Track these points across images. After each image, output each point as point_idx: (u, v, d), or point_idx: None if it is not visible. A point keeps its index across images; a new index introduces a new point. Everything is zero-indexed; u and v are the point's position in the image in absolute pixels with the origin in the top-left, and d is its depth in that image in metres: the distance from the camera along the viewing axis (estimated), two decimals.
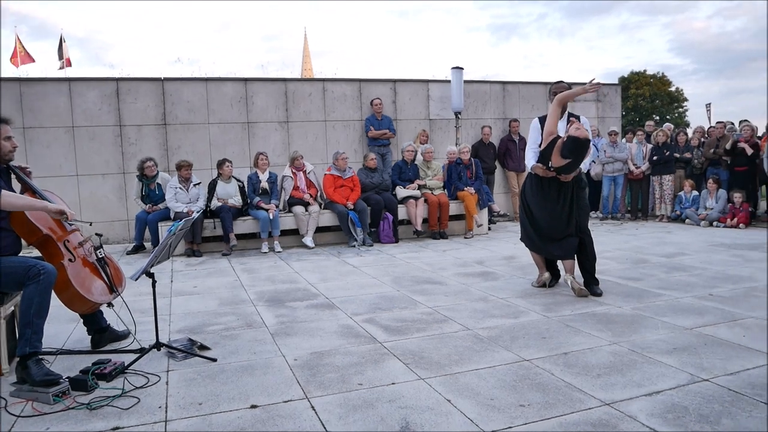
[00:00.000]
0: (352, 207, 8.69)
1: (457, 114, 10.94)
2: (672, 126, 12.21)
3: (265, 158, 8.74)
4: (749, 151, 10.06)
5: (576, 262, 5.33)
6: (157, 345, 3.90)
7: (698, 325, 4.30)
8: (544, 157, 5.08)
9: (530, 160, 5.32)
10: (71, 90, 9.38)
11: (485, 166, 10.74)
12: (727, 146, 10.28)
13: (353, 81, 10.94)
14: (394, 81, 11.19)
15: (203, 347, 4.04)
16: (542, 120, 5.33)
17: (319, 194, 9.02)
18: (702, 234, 9.06)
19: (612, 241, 8.57)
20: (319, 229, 8.83)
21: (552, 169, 5.05)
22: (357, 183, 9.00)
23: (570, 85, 5.38)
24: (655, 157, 10.82)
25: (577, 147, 4.85)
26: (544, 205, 5.19)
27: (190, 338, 4.21)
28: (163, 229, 8.03)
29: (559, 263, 5.67)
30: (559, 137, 5.00)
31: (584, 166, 5.23)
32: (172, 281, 6.40)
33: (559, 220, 5.16)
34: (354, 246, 8.46)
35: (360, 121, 10.79)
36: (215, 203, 8.35)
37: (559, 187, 5.15)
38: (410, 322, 4.54)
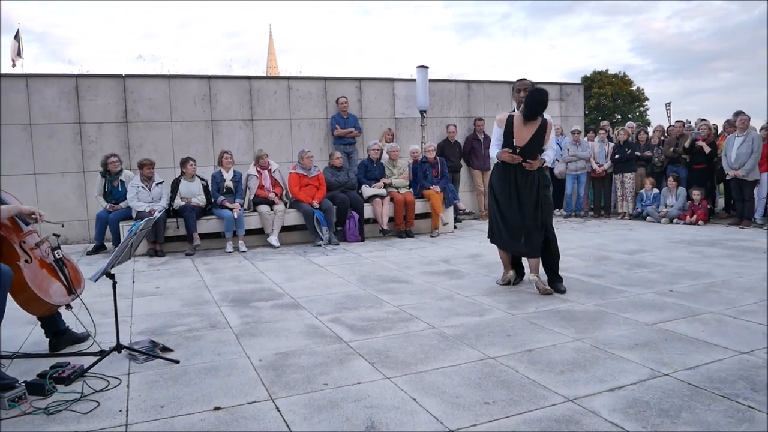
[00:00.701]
0: (317, 206, 8.65)
1: (422, 113, 10.97)
2: (634, 125, 12.44)
3: (230, 157, 8.64)
4: (707, 149, 10.32)
5: (540, 260, 5.39)
6: (118, 347, 3.82)
7: (659, 321, 4.39)
8: (506, 138, 5.18)
9: (494, 150, 5.41)
10: (29, 87, 9.11)
11: (451, 165, 10.80)
12: (686, 144, 10.53)
13: (318, 79, 10.89)
14: (360, 79, 11.17)
15: (165, 349, 3.97)
16: (508, 118, 5.37)
17: (284, 193, 8.96)
18: (662, 231, 9.26)
19: (575, 238, 8.70)
20: (285, 229, 8.78)
21: (518, 152, 5.14)
22: (322, 182, 8.96)
23: (533, 83, 5.45)
24: (617, 156, 11.02)
25: (534, 98, 4.97)
26: (511, 193, 5.24)
27: (152, 340, 4.13)
28: (125, 228, 7.88)
29: (525, 261, 5.73)
30: (511, 115, 5.17)
31: (548, 160, 5.32)
32: (133, 282, 6.28)
33: (527, 207, 5.22)
34: (320, 245, 8.43)
35: (325, 119, 10.75)
36: (178, 202, 8.22)
37: (525, 176, 5.22)
38: (376, 322, 4.54)
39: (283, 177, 9.05)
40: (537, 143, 5.17)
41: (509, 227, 5.33)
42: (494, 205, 5.44)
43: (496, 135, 5.34)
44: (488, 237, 5.61)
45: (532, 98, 5.03)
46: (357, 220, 8.91)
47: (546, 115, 5.34)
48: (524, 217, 5.25)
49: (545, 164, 5.35)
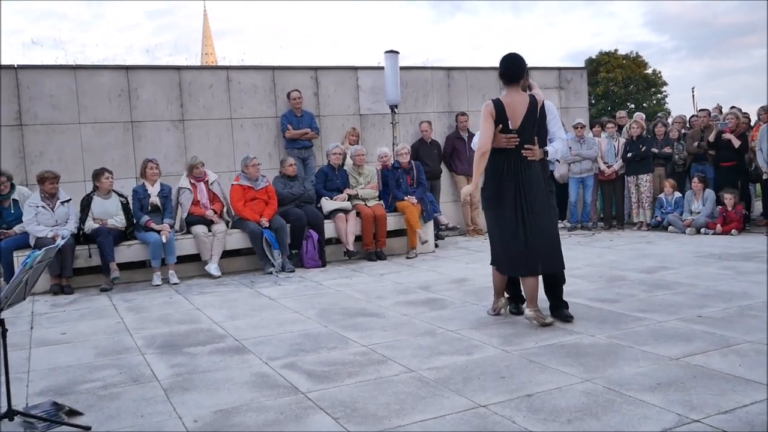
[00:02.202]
0: (267, 225, 8.61)
1: (393, 108, 11.02)
2: (643, 116, 12.64)
3: (155, 166, 8.56)
4: (736, 142, 10.53)
5: (537, 286, 5.38)
6: (9, 414, 3.70)
7: (686, 354, 4.41)
8: (503, 123, 5.25)
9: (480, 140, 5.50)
10: None
11: (428, 170, 10.86)
12: (711, 138, 10.72)
13: (265, 69, 10.87)
14: (316, 68, 11.18)
15: (73, 412, 3.86)
16: (496, 103, 5.42)
17: (225, 210, 8.90)
18: (688, 243, 9.41)
19: (582, 255, 8.77)
20: (227, 254, 8.72)
21: (514, 135, 5.22)
22: (273, 195, 8.93)
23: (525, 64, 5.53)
24: (629, 154, 11.19)
25: (508, 56, 5.24)
26: (516, 198, 5.23)
27: (55, 402, 4.02)
28: (19, 260, 7.72)
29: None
30: (497, 99, 5.32)
31: (554, 152, 5.38)
32: (32, 328, 6.14)
33: (539, 207, 5.22)
34: (271, 273, 8.39)
35: (275, 118, 10.73)
36: (91, 225, 8.11)
37: (528, 169, 5.24)
38: (340, 366, 4.49)
39: (223, 190, 8.99)
40: (531, 124, 5.25)
41: (521, 243, 5.26)
42: (495, 222, 5.41)
43: (485, 126, 5.34)
44: (492, 264, 5.57)
45: (507, 56, 5.27)
46: (316, 240, 8.88)
47: (536, 89, 5.44)
48: (538, 222, 5.22)
49: (549, 158, 5.39)
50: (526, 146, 5.25)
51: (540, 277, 5.43)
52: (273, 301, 6.80)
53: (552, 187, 5.55)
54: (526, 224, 5.23)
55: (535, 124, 5.31)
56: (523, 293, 5.50)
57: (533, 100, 5.30)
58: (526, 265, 5.27)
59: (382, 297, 6.73)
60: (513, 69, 5.27)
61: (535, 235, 5.21)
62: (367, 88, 11.49)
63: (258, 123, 10.68)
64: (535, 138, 5.29)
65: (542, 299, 5.54)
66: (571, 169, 11.53)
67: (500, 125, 5.23)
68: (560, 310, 5.49)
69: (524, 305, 5.42)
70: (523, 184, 5.24)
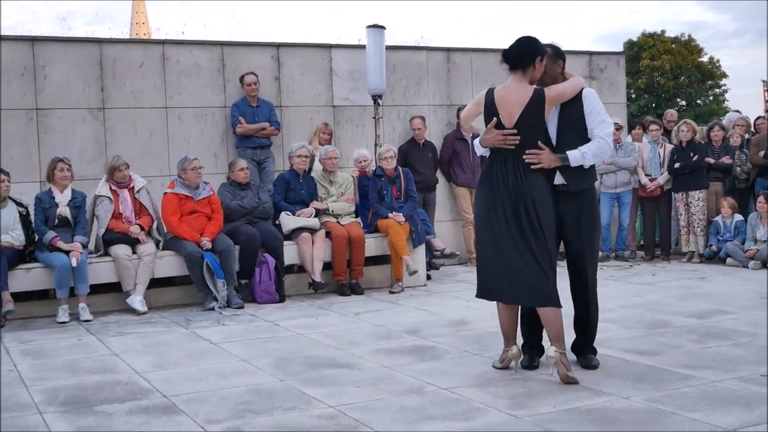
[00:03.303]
0: (209, 246, 8.58)
1: (376, 98, 11.03)
2: (675, 114, 12.76)
3: (66, 168, 8.52)
4: None
5: (561, 317, 5.40)
6: None
7: (747, 424, 4.42)
8: (489, 120, 5.41)
9: (476, 146, 5.62)
10: None
11: (420, 180, 10.86)
12: None
13: (212, 45, 10.85)
14: (278, 46, 11.19)
15: None
16: (488, 94, 5.51)
17: (155, 226, 8.86)
18: (751, 281, 9.46)
19: (616, 293, 8.79)
20: (156, 283, 8.69)
21: (513, 132, 5.31)
22: (218, 207, 8.91)
23: (559, 50, 5.62)
24: (677, 164, 11.27)
25: (518, 40, 5.39)
26: (505, 208, 5.32)
27: None
28: None
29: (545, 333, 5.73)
30: (492, 88, 5.48)
31: (582, 156, 5.40)
32: None
33: (531, 224, 5.30)
34: (212, 309, 8.35)
35: (223, 107, 10.72)
36: None
37: (525, 177, 5.31)
38: None
39: (153, 200, 8.95)
40: (532, 123, 5.33)
41: (505, 262, 5.37)
42: (482, 236, 5.52)
43: (468, 107, 5.54)
44: (477, 293, 5.64)
45: (516, 40, 5.43)
46: (273, 268, 8.85)
47: (574, 79, 5.52)
48: (525, 241, 5.31)
49: (572, 164, 5.41)
50: (528, 151, 5.33)
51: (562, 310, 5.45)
52: (214, 345, 6.74)
53: (594, 200, 5.65)
54: (518, 246, 5.31)
55: (541, 123, 5.40)
56: (545, 334, 5.53)
57: (538, 93, 5.36)
58: (503, 290, 5.41)
59: (356, 343, 6.69)
60: (516, 52, 5.37)
61: (516, 255, 5.31)
62: (344, 72, 11.48)
63: (201, 114, 10.64)
64: (537, 140, 5.38)
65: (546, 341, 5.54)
66: (603, 181, 11.57)
67: (495, 120, 5.37)
68: (585, 355, 5.57)
69: (546, 347, 5.44)
70: (518, 197, 5.31)
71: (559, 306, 5.36)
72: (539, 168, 5.36)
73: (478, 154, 5.89)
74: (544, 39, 5.56)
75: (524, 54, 5.37)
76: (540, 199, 5.35)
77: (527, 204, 5.33)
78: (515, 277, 5.36)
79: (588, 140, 5.52)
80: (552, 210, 5.43)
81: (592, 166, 5.63)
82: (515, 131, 5.33)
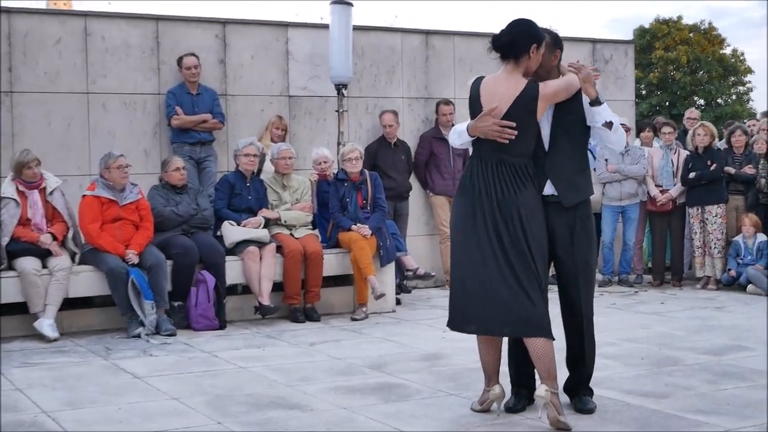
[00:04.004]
0: (136, 261, 8.52)
1: (340, 88, 11.02)
2: (697, 113, 12.87)
3: None
4: None
5: (553, 350, 5.38)
6: None
7: None
8: (473, 114, 5.42)
9: (453, 134, 5.62)
10: None
11: (391, 186, 10.87)
12: None
13: (145, 19, 10.76)
14: (224, 22, 11.15)
15: None
16: (474, 84, 5.51)
17: (71, 235, 8.77)
18: None
19: (619, 323, 8.80)
20: (70, 303, 8.60)
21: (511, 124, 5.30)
22: (147, 214, 8.85)
23: (557, 38, 5.60)
24: (693, 174, 11.33)
25: (512, 24, 5.41)
26: (486, 218, 5.31)
27: None
28: None
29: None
30: (482, 77, 5.52)
31: (617, 121, 5.42)
32: None
33: (513, 237, 5.29)
34: (138, 336, 8.28)
35: (156, 95, 10.67)
36: None
37: (513, 181, 5.32)
38: None
39: (69, 203, 8.87)
40: (521, 121, 5.31)
41: (485, 286, 5.34)
42: (458, 254, 5.50)
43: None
44: (449, 322, 5.60)
45: (510, 24, 5.43)
46: (212, 288, 8.79)
47: (569, 77, 5.49)
48: (509, 262, 5.29)
49: (604, 112, 5.39)
50: (504, 122, 5.31)
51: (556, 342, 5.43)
52: (139, 380, 6.67)
53: (589, 213, 5.64)
54: (501, 267, 5.30)
55: (532, 123, 5.39)
56: (536, 372, 5.49)
57: (531, 88, 5.35)
58: (482, 319, 5.37)
59: (309, 379, 6.65)
60: (508, 38, 5.35)
61: (499, 289, 5.29)
62: (302, 56, 11.46)
63: (130, 102, 10.57)
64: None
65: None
66: (606, 192, 11.63)
67: (496, 106, 5.34)
68: (580, 397, 5.56)
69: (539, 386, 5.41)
70: (502, 210, 5.30)
71: (550, 337, 5.33)
72: (527, 175, 5.36)
73: (455, 145, 5.81)
74: (541, 23, 5.57)
75: (518, 40, 5.34)
76: (528, 212, 5.33)
77: (513, 218, 5.31)
78: (497, 303, 5.32)
79: (585, 147, 5.59)
80: (542, 226, 5.41)
81: (589, 176, 5.67)
82: (513, 124, 5.30)
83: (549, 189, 5.47)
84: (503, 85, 5.37)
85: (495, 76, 5.46)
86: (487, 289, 5.33)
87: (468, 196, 5.43)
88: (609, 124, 5.40)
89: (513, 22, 5.41)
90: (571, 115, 5.49)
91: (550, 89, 5.40)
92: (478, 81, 5.50)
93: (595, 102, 5.38)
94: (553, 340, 5.33)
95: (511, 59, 5.36)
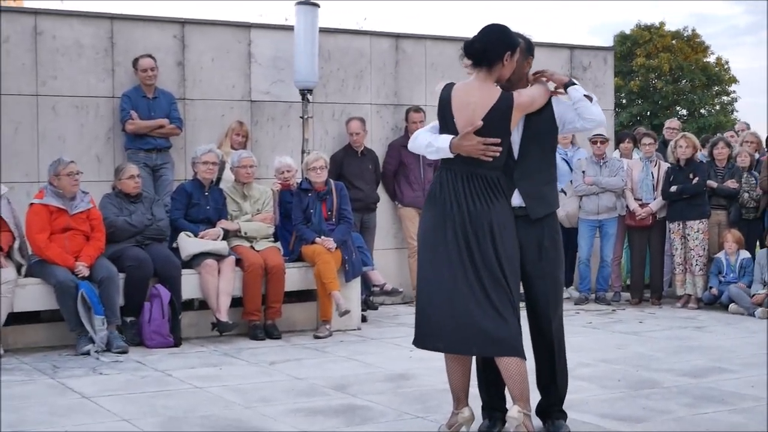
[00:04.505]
0: (86, 273, 8.49)
1: (305, 93, 11.03)
2: (677, 124, 12.96)
3: None
4: None
5: (526, 370, 5.40)
6: None
7: None
8: (443, 124, 5.47)
9: (423, 140, 5.56)
10: None
11: (358, 197, 10.90)
12: None
13: (99, 18, 10.72)
14: (183, 22, 11.13)
15: None
16: (444, 91, 5.51)
17: (17, 245, 8.73)
18: (758, 332, 9.56)
19: (595, 343, 8.85)
20: (16, 318, 8.56)
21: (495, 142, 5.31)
22: (99, 224, 8.82)
23: (531, 44, 5.62)
24: (674, 188, 11.40)
25: (484, 30, 5.39)
26: (456, 231, 5.31)
27: None
28: None
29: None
30: (452, 84, 5.51)
31: (595, 99, 5.46)
32: None
33: (483, 252, 5.29)
34: (88, 353, 8.23)
35: (110, 98, 10.63)
36: None
37: (485, 195, 5.33)
38: None
39: (15, 212, 8.84)
40: (494, 134, 5.32)
41: (454, 303, 5.34)
42: (425, 269, 5.50)
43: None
44: (415, 340, 5.59)
45: (483, 29, 5.42)
46: (167, 303, 8.76)
47: (540, 85, 5.53)
48: (479, 278, 5.30)
49: (578, 90, 5.44)
50: (489, 140, 5.30)
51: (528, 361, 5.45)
52: (88, 400, 6.61)
53: (557, 231, 5.66)
54: (471, 283, 5.29)
55: (506, 134, 5.38)
56: (507, 392, 5.50)
57: (506, 98, 5.35)
58: (450, 338, 5.36)
59: (269, 400, 6.63)
60: (481, 45, 5.35)
61: (468, 306, 5.29)
62: (266, 59, 11.47)
63: (82, 105, 10.52)
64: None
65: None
66: (583, 205, 11.70)
67: (480, 123, 5.31)
68: (553, 420, 5.56)
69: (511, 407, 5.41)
70: (472, 224, 5.30)
71: (523, 356, 5.33)
72: (500, 188, 5.38)
73: (430, 158, 5.79)
74: (517, 27, 5.56)
75: (491, 47, 5.33)
76: (500, 227, 5.33)
77: (484, 232, 5.31)
78: (466, 320, 5.31)
79: (554, 157, 5.72)
80: (515, 240, 5.41)
81: (555, 188, 5.73)
82: (498, 140, 5.31)
83: (517, 200, 5.48)
84: (476, 93, 5.37)
85: (467, 83, 5.46)
86: (457, 305, 5.32)
87: (437, 208, 5.42)
88: (588, 98, 5.43)
89: (486, 27, 5.41)
90: (542, 123, 5.51)
91: (526, 98, 5.39)
92: (448, 87, 5.49)
93: (569, 84, 5.45)
94: (525, 359, 5.35)
95: (484, 67, 5.35)
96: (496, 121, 5.32)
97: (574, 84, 5.47)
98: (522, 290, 5.65)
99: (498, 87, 5.40)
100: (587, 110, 5.46)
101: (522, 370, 5.31)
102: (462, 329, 5.33)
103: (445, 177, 5.44)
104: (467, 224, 5.30)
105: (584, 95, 5.42)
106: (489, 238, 5.29)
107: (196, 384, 7.16)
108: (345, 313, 9.37)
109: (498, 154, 5.30)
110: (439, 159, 5.55)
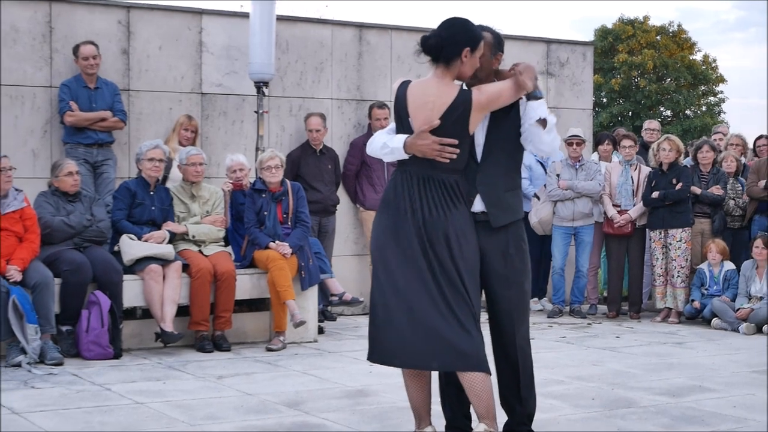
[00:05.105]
0: (19, 278, 8.43)
1: (261, 86, 11.02)
2: (657, 125, 13.02)
3: None
4: None
5: (491, 386, 5.40)
6: None
7: None
8: (399, 123, 5.51)
9: (378, 143, 5.59)
10: None
11: (316, 199, 10.92)
12: None
13: (37, 0, 10.60)
14: (129, 7, 11.08)
15: None
16: (400, 88, 5.53)
17: None
18: (741, 349, 9.63)
19: (568, 359, 8.88)
20: None
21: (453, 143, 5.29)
22: (33, 224, 8.77)
23: (500, 39, 5.61)
24: (655, 194, 11.44)
25: (440, 26, 5.38)
26: (409, 235, 5.32)
27: None
28: None
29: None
30: (408, 81, 5.51)
31: (552, 123, 5.41)
32: None
33: (441, 258, 5.29)
34: (19, 365, 8.18)
35: (48, 88, 10.58)
36: None
37: (441, 199, 5.33)
38: None
39: None
40: (451, 135, 5.31)
41: (411, 315, 5.34)
42: (379, 279, 5.50)
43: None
44: (369, 354, 5.59)
45: (442, 23, 5.43)
46: (107, 311, 8.69)
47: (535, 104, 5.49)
48: (439, 288, 5.30)
49: (540, 106, 5.40)
50: (445, 140, 5.29)
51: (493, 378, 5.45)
52: (18, 416, 6.55)
53: (522, 236, 5.62)
54: (430, 294, 5.29)
55: (464, 136, 5.35)
56: (472, 410, 5.51)
57: (464, 96, 5.33)
58: (408, 352, 5.35)
59: (216, 418, 6.59)
60: (437, 40, 5.34)
61: (427, 318, 5.28)
62: (218, 48, 11.45)
63: (16, 95, 10.47)
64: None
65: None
66: (557, 211, 11.72)
67: (437, 122, 5.29)
68: None
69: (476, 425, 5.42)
70: (430, 231, 5.30)
71: (488, 371, 5.33)
72: (458, 193, 5.37)
73: (386, 160, 5.80)
74: (482, 20, 5.55)
75: (449, 43, 5.32)
76: (458, 234, 5.32)
77: (441, 241, 5.30)
78: (426, 333, 5.30)
79: (520, 161, 5.64)
80: (475, 249, 5.40)
81: (520, 195, 5.66)
82: (456, 141, 5.29)
83: (479, 206, 5.44)
84: (433, 91, 5.35)
85: (423, 80, 5.46)
86: (416, 317, 5.31)
87: (391, 214, 5.42)
88: (543, 122, 5.38)
89: (445, 21, 5.40)
90: (508, 123, 5.47)
91: (484, 96, 5.34)
92: (404, 85, 5.48)
93: (531, 96, 5.38)
94: (491, 374, 5.34)
95: (441, 63, 5.34)
96: (453, 120, 5.30)
97: (538, 98, 5.39)
98: (485, 299, 5.63)
99: (456, 84, 5.38)
100: (537, 138, 5.45)
101: (487, 385, 5.31)
102: (422, 343, 5.33)
103: (399, 179, 5.45)
104: (423, 232, 5.29)
105: (541, 118, 5.37)
106: (446, 248, 5.28)
107: (137, 399, 7.10)
108: (300, 324, 9.35)
109: (455, 156, 5.28)
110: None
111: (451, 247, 5.27)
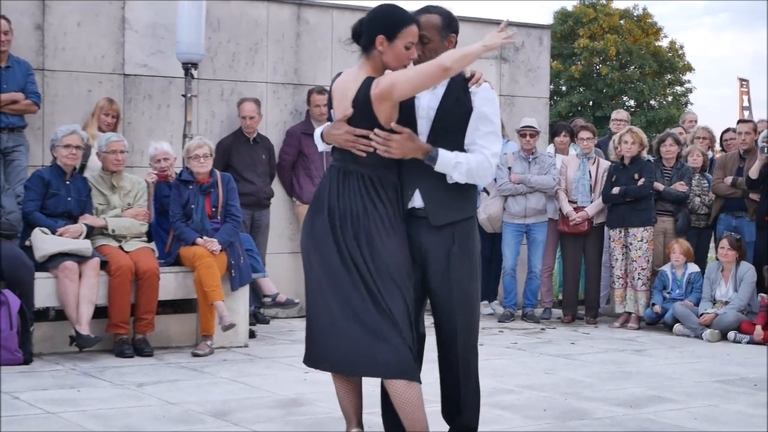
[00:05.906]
0: None
1: (189, 67, 10.99)
2: (626, 115, 13.14)
3: None
4: None
5: (421, 397, 5.42)
6: None
7: None
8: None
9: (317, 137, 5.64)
10: None
11: (248, 191, 10.95)
12: (753, 172, 11.16)
13: None
14: None
15: None
16: (333, 80, 5.59)
17: None
18: (703, 357, 9.74)
19: (519, 367, 8.93)
20: None
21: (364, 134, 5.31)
22: None
23: (451, 18, 5.64)
24: (616, 189, 11.53)
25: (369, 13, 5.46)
26: (339, 231, 5.34)
27: None
28: None
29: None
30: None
31: (444, 166, 5.38)
32: None
33: (375, 255, 5.32)
34: None
35: None
36: None
37: (369, 193, 5.36)
38: None
39: None
40: (360, 118, 5.33)
41: (339, 317, 5.37)
42: (309, 280, 5.55)
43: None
44: (305, 358, 5.63)
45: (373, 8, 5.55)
46: (16, 312, 8.64)
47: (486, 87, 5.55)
48: (368, 289, 5.32)
49: (442, 167, 5.36)
50: (377, 132, 5.26)
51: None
52: None
53: (474, 236, 5.63)
54: (358, 295, 5.32)
55: (378, 125, 5.31)
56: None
57: (365, 85, 5.32)
58: (336, 356, 5.42)
59: (135, 428, 6.57)
60: (356, 26, 5.44)
61: (353, 322, 5.32)
62: (142, 26, 11.40)
63: None
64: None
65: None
66: (507, 207, 11.79)
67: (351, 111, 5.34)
68: None
69: None
70: (357, 229, 5.33)
71: (415, 379, 5.34)
72: (378, 189, 5.38)
73: (319, 150, 5.84)
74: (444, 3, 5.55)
75: (364, 30, 5.38)
76: (376, 235, 5.33)
77: (360, 241, 5.33)
78: (347, 338, 5.36)
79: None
80: (398, 250, 5.38)
81: (474, 192, 5.67)
82: (369, 133, 5.27)
83: (418, 201, 5.44)
84: (352, 82, 5.37)
85: (350, 70, 5.50)
86: (337, 321, 5.37)
87: (317, 211, 5.45)
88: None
89: (375, 8, 5.44)
90: (458, 112, 5.44)
91: (382, 86, 5.28)
92: (338, 75, 5.54)
93: (429, 160, 5.32)
94: (419, 383, 5.34)
95: (363, 52, 5.40)
96: (361, 111, 5.31)
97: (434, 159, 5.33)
98: (429, 301, 5.65)
99: (364, 74, 5.35)
100: (467, 176, 5.39)
101: (412, 396, 5.30)
102: (344, 347, 5.38)
103: (327, 174, 5.52)
104: (339, 233, 5.33)
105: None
106: (365, 248, 5.30)
107: (48, 409, 7.05)
108: (230, 327, 9.34)
109: (371, 149, 5.27)
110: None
111: (369, 247, 5.30)
